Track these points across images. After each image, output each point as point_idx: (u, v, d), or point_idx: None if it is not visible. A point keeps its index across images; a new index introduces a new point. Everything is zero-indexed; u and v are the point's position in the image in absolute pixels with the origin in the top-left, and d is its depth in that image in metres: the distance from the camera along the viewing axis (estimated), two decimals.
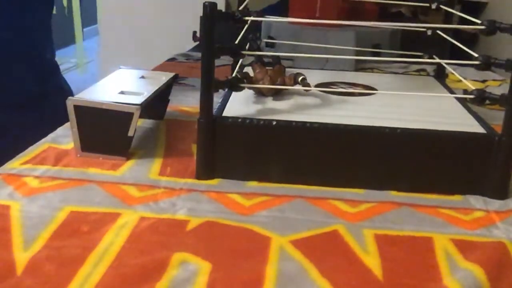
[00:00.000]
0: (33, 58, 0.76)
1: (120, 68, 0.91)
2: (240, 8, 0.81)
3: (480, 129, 0.71)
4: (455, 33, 0.94)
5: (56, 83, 1.01)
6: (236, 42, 0.77)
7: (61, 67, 1.14)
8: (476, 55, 0.69)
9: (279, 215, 0.62)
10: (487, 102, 0.70)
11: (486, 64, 0.68)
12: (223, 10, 0.70)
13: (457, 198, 0.68)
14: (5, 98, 0.81)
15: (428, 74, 1.21)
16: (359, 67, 1.33)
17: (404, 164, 0.69)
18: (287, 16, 1.40)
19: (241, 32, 0.81)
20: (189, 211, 0.62)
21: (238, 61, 0.91)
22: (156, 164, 0.73)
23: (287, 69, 0.94)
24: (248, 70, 0.97)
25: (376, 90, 0.86)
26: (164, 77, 0.87)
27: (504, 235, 0.60)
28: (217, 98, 0.72)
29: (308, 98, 0.79)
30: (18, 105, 0.82)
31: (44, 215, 0.59)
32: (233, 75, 0.87)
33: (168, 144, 0.80)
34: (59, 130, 0.83)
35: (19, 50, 0.89)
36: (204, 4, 0.65)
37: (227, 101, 0.76)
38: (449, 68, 0.91)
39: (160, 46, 1.72)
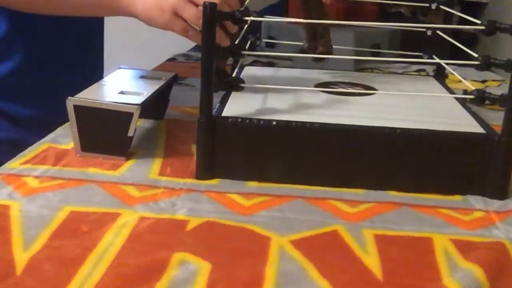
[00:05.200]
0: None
1: (120, 68, 0.91)
2: (240, 8, 0.81)
3: (480, 129, 0.71)
4: (455, 34, 0.94)
5: None
6: (236, 42, 0.77)
7: None
8: (476, 55, 0.69)
9: (279, 215, 0.62)
10: (487, 102, 0.70)
11: (486, 64, 0.68)
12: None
13: (457, 198, 0.68)
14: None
15: (428, 74, 1.21)
16: (359, 67, 1.33)
17: (404, 164, 0.69)
18: (287, 16, 1.40)
19: (241, 32, 0.81)
20: (189, 211, 0.62)
21: (238, 61, 0.91)
22: (156, 164, 0.73)
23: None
24: (248, 70, 0.97)
25: (376, 90, 0.86)
26: (164, 77, 0.87)
27: (503, 235, 0.60)
28: (217, 98, 0.72)
29: (308, 98, 0.79)
30: None
31: (44, 215, 0.59)
32: (233, 75, 0.87)
33: (168, 144, 0.80)
34: (59, 130, 0.83)
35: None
36: (204, 4, 0.65)
37: (227, 101, 0.76)
38: (448, 69, 0.91)
39: (160, 46, 1.71)
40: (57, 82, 0.93)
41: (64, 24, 0.92)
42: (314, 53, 0.90)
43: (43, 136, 0.80)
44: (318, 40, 0.89)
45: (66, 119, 0.75)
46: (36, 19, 0.88)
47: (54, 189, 0.65)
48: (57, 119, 0.82)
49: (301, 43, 1.11)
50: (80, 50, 0.99)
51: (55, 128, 0.83)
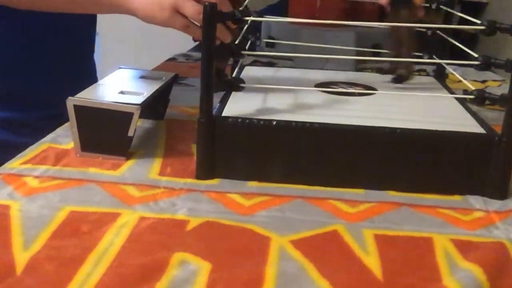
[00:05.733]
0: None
1: (120, 68, 0.91)
2: (240, 8, 0.81)
3: (480, 129, 0.71)
4: (455, 34, 0.94)
5: None
6: (236, 42, 0.77)
7: None
8: (476, 55, 0.69)
9: (279, 215, 0.62)
10: (487, 102, 0.70)
11: (486, 65, 0.68)
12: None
13: (457, 198, 0.68)
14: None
15: (428, 74, 1.21)
16: (359, 67, 1.33)
17: (404, 164, 0.69)
18: (287, 16, 1.40)
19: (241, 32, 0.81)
20: (189, 211, 0.62)
21: (238, 61, 0.91)
22: (156, 164, 0.73)
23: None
24: (248, 70, 0.97)
25: (376, 90, 0.86)
26: (164, 77, 0.87)
27: (503, 235, 0.60)
28: (217, 98, 0.72)
29: (308, 98, 0.79)
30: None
31: (44, 215, 0.59)
32: (233, 75, 0.87)
33: (168, 144, 0.80)
34: (59, 130, 0.83)
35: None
36: (204, 4, 0.65)
37: (227, 101, 0.76)
38: (449, 68, 0.91)
39: (160, 46, 1.71)
40: (33, 86, 0.93)
41: (42, 29, 0.92)
42: (394, 74, 0.90)
43: (23, 137, 0.81)
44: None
45: (44, 121, 0.75)
46: (11, 22, 0.87)
47: (54, 189, 0.65)
48: (31, 120, 0.82)
49: (300, 43, 1.11)
50: (61, 56, 0.98)
51: (32, 130, 0.83)
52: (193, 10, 0.73)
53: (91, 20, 1.05)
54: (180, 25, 0.75)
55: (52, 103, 0.88)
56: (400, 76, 0.88)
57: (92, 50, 1.09)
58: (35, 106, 0.94)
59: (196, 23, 0.74)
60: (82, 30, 1.02)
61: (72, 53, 1.00)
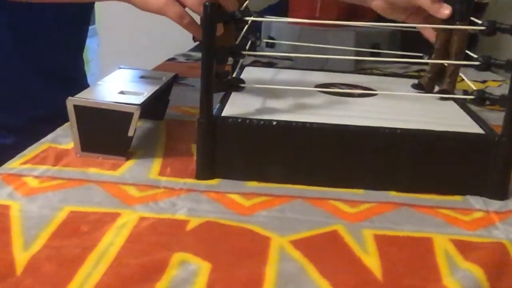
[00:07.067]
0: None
1: (120, 68, 0.91)
2: (241, 8, 0.81)
3: (480, 130, 0.71)
4: None
5: None
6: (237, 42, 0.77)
7: None
8: (476, 55, 0.69)
9: (279, 215, 0.62)
10: (487, 102, 0.70)
11: (486, 65, 0.68)
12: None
13: (456, 198, 0.68)
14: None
15: None
16: (359, 67, 1.34)
17: (404, 164, 0.69)
18: (287, 16, 1.40)
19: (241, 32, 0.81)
20: (189, 211, 0.62)
21: (238, 61, 0.91)
22: (156, 164, 0.73)
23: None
24: (248, 70, 0.97)
25: (376, 91, 0.86)
26: (164, 77, 0.87)
27: (503, 235, 0.60)
28: (217, 98, 0.72)
29: (308, 99, 0.79)
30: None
31: (44, 215, 0.59)
32: (233, 75, 0.87)
33: (168, 144, 0.80)
34: (59, 130, 0.83)
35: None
36: (204, 4, 0.65)
37: (227, 101, 0.76)
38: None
39: (160, 46, 1.71)
40: (17, 87, 0.93)
41: (30, 30, 0.92)
42: (433, 90, 0.86)
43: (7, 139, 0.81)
44: (441, 77, 0.86)
45: (30, 123, 0.75)
46: None
47: (54, 189, 0.65)
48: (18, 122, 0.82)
49: (300, 43, 1.11)
50: (47, 57, 0.97)
51: (20, 132, 0.83)
52: (193, 0, 0.68)
53: (83, 20, 1.04)
54: (174, 14, 0.70)
55: (37, 105, 0.87)
56: (445, 91, 0.85)
57: (80, 52, 1.09)
58: (20, 108, 0.94)
59: (193, 17, 0.72)
60: (70, 30, 1.02)
61: (58, 54, 0.99)
